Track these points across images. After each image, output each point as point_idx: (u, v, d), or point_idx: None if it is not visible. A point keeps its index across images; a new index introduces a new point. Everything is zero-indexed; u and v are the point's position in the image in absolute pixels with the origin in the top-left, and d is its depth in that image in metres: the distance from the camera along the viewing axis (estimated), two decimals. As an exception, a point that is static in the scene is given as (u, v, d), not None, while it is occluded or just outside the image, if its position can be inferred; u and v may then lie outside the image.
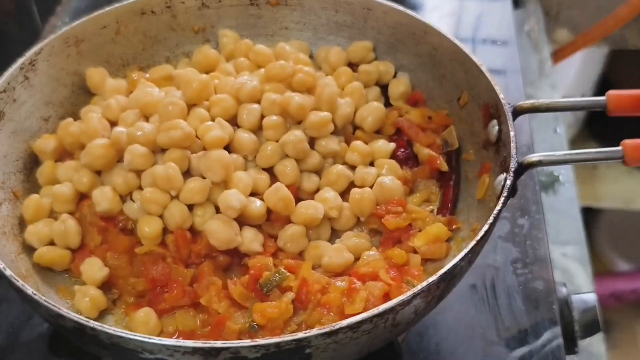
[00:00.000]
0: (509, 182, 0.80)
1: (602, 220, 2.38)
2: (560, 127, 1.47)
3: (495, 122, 0.89)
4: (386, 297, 0.81)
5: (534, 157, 0.82)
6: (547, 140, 1.43)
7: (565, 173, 1.37)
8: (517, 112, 0.87)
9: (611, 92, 0.87)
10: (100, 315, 0.85)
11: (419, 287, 0.71)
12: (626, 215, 2.31)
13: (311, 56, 1.08)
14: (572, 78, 2.07)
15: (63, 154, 0.95)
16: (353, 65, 1.05)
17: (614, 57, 2.21)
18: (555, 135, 1.45)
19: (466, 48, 0.95)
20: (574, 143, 2.25)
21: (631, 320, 2.34)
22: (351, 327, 0.69)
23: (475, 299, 0.99)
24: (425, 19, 1.01)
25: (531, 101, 0.88)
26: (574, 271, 1.25)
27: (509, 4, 1.53)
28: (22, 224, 0.90)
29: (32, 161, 0.96)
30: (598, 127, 2.30)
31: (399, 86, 1.03)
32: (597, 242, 2.37)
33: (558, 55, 1.78)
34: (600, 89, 2.22)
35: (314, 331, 0.68)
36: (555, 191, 1.34)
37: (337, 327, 0.68)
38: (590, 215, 2.35)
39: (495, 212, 0.78)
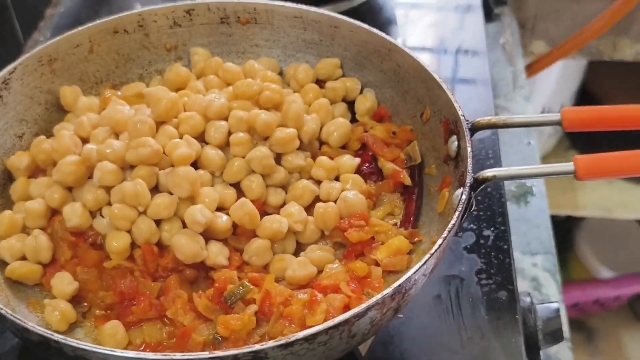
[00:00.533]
0: (464, 196, 0.83)
1: (584, 229, 2.40)
2: (534, 139, 1.49)
3: (455, 137, 0.92)
4: (346, 308, 0.83)
5: (488, 173, 0.85)
6: (519, 153, 1.45)
7: (537, 185, 1.40)
8: (475, 128, 0.90)
9: (566, 109, 0.89)
10: (70, 328, 0.87)
11: (374, 299, 0.74)
12: (608, 223, 2.33)
13: (280, 73, 1.11)
14: (551, 89, 2.10)
15: (36, 171, 0.97)
16: (321, 82, 1.08)
17: (593, 68, 2.25)
18: (528, 147, 1.47)
19: (427, 66, 0.98)
20: (554, 153, 2.29)
21: (615, 327, 2.37)
22: (307, 339, 0.71)
23: (440, 309, 1.01)
24: (400, 35, 1.04)
25: (488, 118, 0.90)
26: (543, 281, 1.27)
27: (481, 16, 1.55)
28: (-6, 239, 0.93)
29: (6, 177, 0.98)
30: (578, 136, 2.33)
31: (365, 102, 1.06)
32: (579, 250, 2.40)
33: (534, 67, 1.82)
34: (580, 101, 2.26)
35: (270, 343, 0.70)
36: (527, 202, 1.36)
37: (292, 339, 0.70)
38: (571, 224, 2.39)
39: (449, 225, 0.80)
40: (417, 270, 0.76)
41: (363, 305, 0.73)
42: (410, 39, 1.02)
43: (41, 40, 1.51)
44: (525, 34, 1.85)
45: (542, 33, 1.89)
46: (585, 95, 2.26)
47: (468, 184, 0.84)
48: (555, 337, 1.03)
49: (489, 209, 1.13)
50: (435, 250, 0.78)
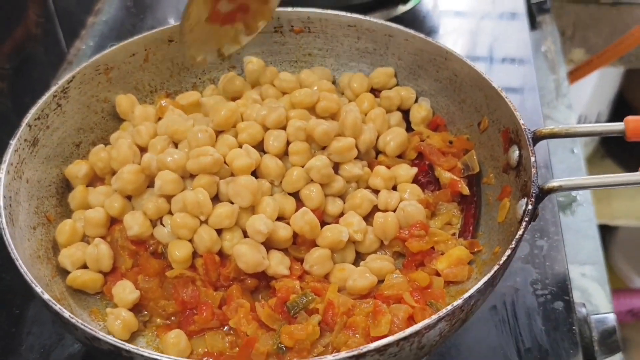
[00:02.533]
0: (530, 207, 0.82)
1: (618, 238, 2.38)
2: (578, 147, 1.48)
3: (515, 147, 0.91)
4: (410, 319, 0.83)
5: (554, 183, 0.84)
6: (564, 161, 1.44)
7: (583, 193, 1.38)
8: (537, 138, 0.89)
9: (629, 119, 0.88)
10: (132, 337, 0.87)
11: (444, 310, 0.73)
12: (643, 233, 2.32)
13: (334, 82, 1.11)
14: (588, 98, 2.09)
15: (94, 179, 0.98)
16: (375, 91, 1.08)
17: (630, 77, 2.23)
18: (573, 156, 1.46)
19: (486, 74, 0.97)
20: (589, 161, 2.27)
21: (650, 338, 2.34)
22: (378, 350, 0.71)
23: (496, 320, 1.00)
24: (444, 43, 1.04)
25: (550, 127, 0.90)
26: (592, 291, 1.26)
27: (526, 24, 1.55)
28: (55, 247, 0.93)
29: (64, 186, 0.99)
30: (613, 145, 2.32)
31: (421, 111, 1.06)
32: (613, 260, 2.37)
33: (574, 75, 1.81)
34: (616, 109, 2.24)
35: (342, 354, 0.70)
36: (573, 211, 1.35)
37: (364, 350, 0.70)
38: (606, 233, 2.37)
39: (517, 236, 0.80)
40: (487, 281, 0.76)
41: (434, 317, 0.72)
42: (454, 47, 1.01)
43: (83, 49, 1.52)
44: (564, 42, 1.85)
45: (581, 41, 1.88)
46: (622, 104, 2.25)
47: (533, 194, 0.83)
48: (612, 348, 1.02)
49: (541, 218, 1.13)
50: (504, 261, 0.77)
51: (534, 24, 1.65)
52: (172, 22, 1.08)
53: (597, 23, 1.88)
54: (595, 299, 1.26)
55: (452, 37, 1.52)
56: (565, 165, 1.43)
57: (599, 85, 2.12)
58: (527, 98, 1.37)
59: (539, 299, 1.03)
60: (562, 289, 1.04)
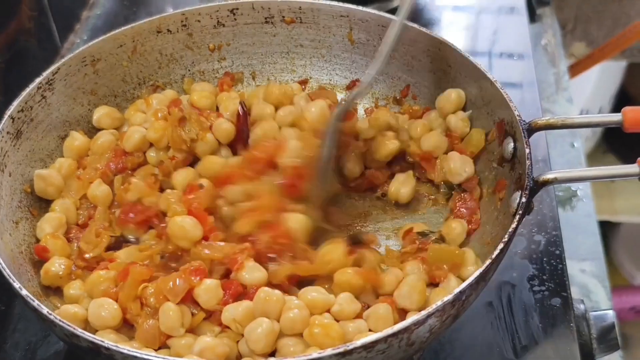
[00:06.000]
0: (524, 200, 0.80)
1: (620, 234, 2.36)
2: (578, 141, 1.46)
3: (510, 139, 0.89)
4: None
5: (549, 175, 0.82)
6: (564, 155, 1.42)
7: (583, 188, 1.36)
8: (533, 129, 0.87)
9: (627, 109, 0.86)
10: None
11: (434, 306, 0.71)
12: (644, 229, 2.29)
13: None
14: (590, 92, 2.07)
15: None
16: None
17: (632, 71, 2.21)
18: (573, 150, 1.44)
19: (480, 65, 0.95)
20: (591, 157, 2.24)
21: (651, 335, 2.32)
22: (365, 347, 0.68)
23: (492, 316, 0.98)
24: (440, 34, 1.02)
25: (546, 118, 0.87)
26: (592, 287, 1.24)
27: (525, 17, 1.52)
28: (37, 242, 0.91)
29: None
30: (615, 140, 2.29)
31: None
32: (616, 257, 2.35)
33: (575, 69, 1.78)
34: (618, 103, 2.22)
35: (328, 351, 0.68)
36: (573, 207, 1.33)
37: (351, 347, 0.68)
38: (608, 229, 2.34)
39: (510, 230, 0.77)
40: (478, 276, 0.73)
41: (423, 313, 0.70)
42: (452, 41, 0.99)
43: (77, 43, 1.50)
44: (565, 35, 1.82)
45: (582, 34, 1.86)
46: (624, 98, 2.22)
47: (528, 187, 0.81)
48: (610, 346, 1.00)
49: (539, 213, 1.10)
50: (497, 255, 0.75)
51: (533, 17, 1.63)
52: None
53: (599, 16, 1.85)
54: (595, 296, 1.23)
55: (450, 32, 1.49)
56: (564, 159, 1.41)
57: (601, 80, 2.10)
58: (526, 92, 1.34)
59: (536, 295, 1.00)
60: (560, 285, 1.02)
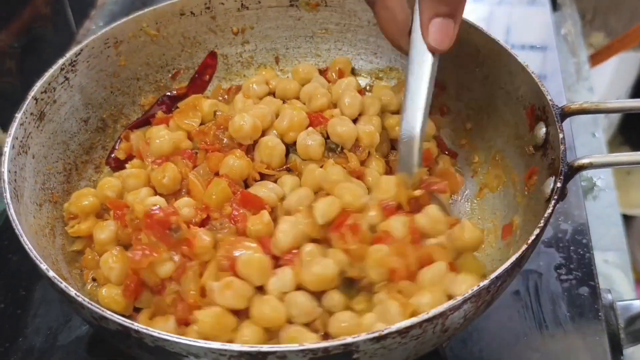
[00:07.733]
0: (558, 185, 0.79)
1: (636, 228, 2.34)
2: (599, 131, 1.44)
3: (542, 124, 0.87)
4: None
5: (585, 160, 0.80)
6: (586, 145, 1.40)
7: (604, 178, 1.35)
8: (566, 114, 0.85)
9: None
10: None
11: (470, 292, 0.69)
12: (660, 222, 2.27)
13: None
14: (608, 82, 2.05)
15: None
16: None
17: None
18: (594, 139, 1.43)
19: (511, 49, 0.93)
20: (608, 148, 2.23)
21: (666, 329, 2.30)
22: (400, 333, 0.67)
23: (519, 305, 0.97)
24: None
25: (580, 103, 0.85)
26: (616, 278, 1.22)
27: (548, 7, 1.51)
28: (63, 224, 0.90)
29: (72, 162, 0.96)
30: (632, 132, 2.27)
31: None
32: (632, 249, 2.33)
33: (595, 58, 1.77)
34: (637, 94, 2.20)
35: (363, 336, 0.66)
36: (595, 197, 1.32)
37: (385, 332, 0.66)
38: (625, 222, 2.32)
39: (546, 215, 0.76)
40: (514, 261, 0.72)
41: (459, 298, 0.69)
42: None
43: (93, 29, 1.49)
44: (584, 26, 1.80)
45: (601, 25, 1.84)
46: (642, 89, 2.20)
47: (563, 172, 0.79)
48: (637, 337, 0.99)
49: (565, 201, 1.08)
50: (532, 240, 0.74)
51: (554, 7, 1.61)
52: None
53: (618, 7, 1.84)
54: (618, 286, 1.22)
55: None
56: (587, 148, 1.39)
57: (619, 70, 2.08)
58: (549, 82, 1.32)
59: (563, 284, 0.99)
60: (588, 274, 1.01)
